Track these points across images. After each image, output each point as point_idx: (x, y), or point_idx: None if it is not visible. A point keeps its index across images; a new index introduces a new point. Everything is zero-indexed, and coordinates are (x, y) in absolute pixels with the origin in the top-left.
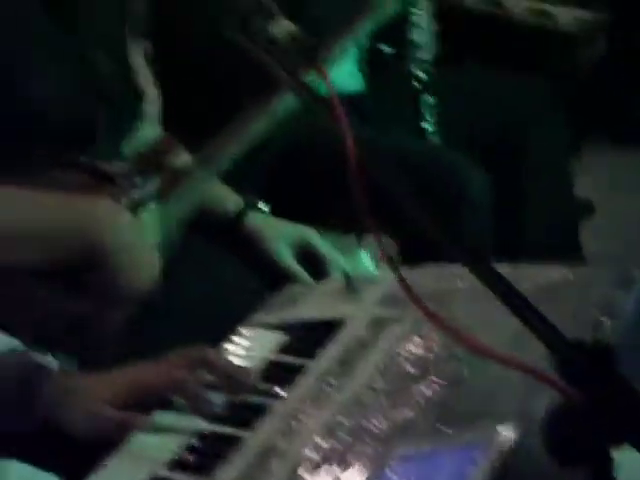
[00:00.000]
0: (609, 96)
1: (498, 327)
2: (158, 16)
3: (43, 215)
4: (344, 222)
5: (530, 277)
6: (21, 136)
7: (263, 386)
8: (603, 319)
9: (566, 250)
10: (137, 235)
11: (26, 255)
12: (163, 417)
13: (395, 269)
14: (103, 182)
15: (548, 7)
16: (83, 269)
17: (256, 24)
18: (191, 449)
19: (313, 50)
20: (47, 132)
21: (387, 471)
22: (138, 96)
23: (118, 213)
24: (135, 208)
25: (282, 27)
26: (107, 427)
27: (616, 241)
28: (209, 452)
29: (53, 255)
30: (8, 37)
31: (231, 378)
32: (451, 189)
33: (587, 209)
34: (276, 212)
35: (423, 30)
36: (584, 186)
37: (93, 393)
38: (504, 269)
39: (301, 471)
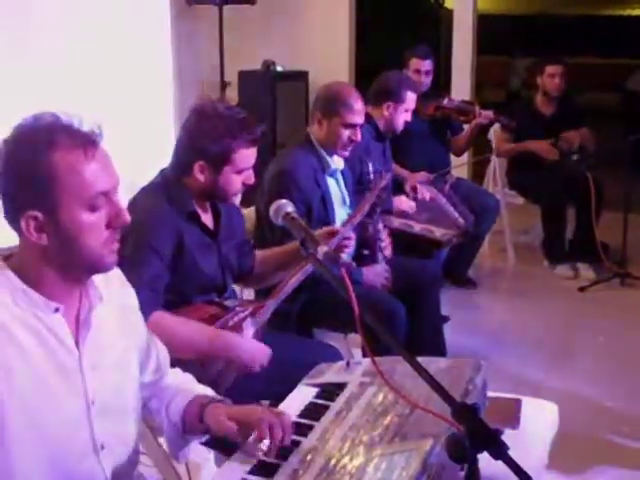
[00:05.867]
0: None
1: (420, 389)
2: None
3: (202, 337)
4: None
5: (431, 364)
6: (193, 289)
7: (305, 418)
8: (469, 387)
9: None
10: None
11: (190, 355)
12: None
13: (372, 357)
14: (225, 309)
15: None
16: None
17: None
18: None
19: (336, 256)
20: (204, 287)
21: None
22: None
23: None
24: (240, 322)
25: (323, 249)
26: (224, 431)
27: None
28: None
29: (203, 354)
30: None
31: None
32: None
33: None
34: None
35: None
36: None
37: (221, 412)
38: (420, 360)
39: (332, 461)
